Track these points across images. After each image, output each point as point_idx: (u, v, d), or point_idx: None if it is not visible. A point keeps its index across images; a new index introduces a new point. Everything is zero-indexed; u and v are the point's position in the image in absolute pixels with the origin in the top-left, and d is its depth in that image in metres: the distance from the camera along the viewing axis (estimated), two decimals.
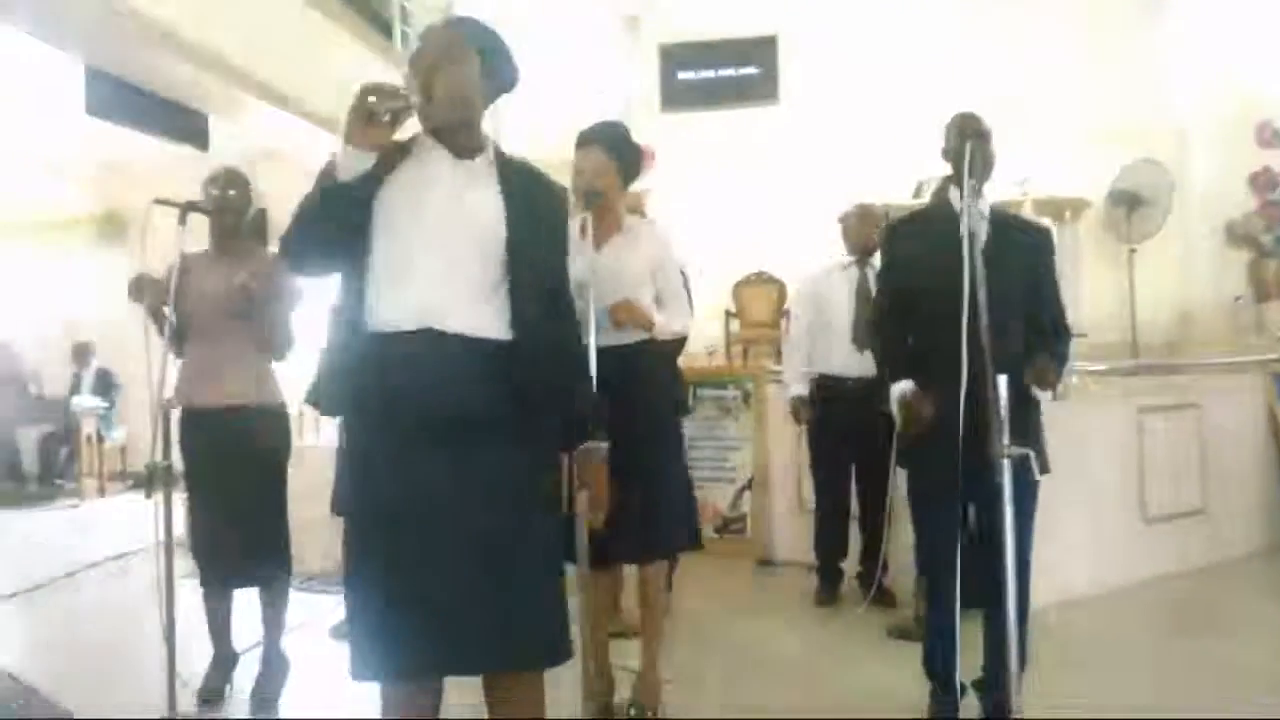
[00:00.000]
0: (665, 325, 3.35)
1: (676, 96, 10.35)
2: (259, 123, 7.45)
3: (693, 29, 10.37)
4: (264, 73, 6.72)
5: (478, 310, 2.18)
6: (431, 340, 2.13)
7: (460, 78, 2.19)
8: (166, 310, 3.33)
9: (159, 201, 3.27)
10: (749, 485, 6.02)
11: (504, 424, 2.16)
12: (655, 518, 3.25)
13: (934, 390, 2.93)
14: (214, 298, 3.51)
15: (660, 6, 10.38)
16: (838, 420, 4.70)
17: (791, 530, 5.73)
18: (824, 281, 4.86)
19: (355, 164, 2.09)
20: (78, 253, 10.60)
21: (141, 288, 3.48)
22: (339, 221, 2.15)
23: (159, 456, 3.11)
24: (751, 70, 10.37)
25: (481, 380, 2.15)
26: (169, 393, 3.35)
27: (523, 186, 2.29)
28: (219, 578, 3.61)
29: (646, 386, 3.30)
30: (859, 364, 4.53)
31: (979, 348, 2.59)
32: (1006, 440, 2.48)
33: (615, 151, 3.29)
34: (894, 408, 3.11)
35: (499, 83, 2.31)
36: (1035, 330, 3.03)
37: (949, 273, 2.80)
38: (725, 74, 10.46)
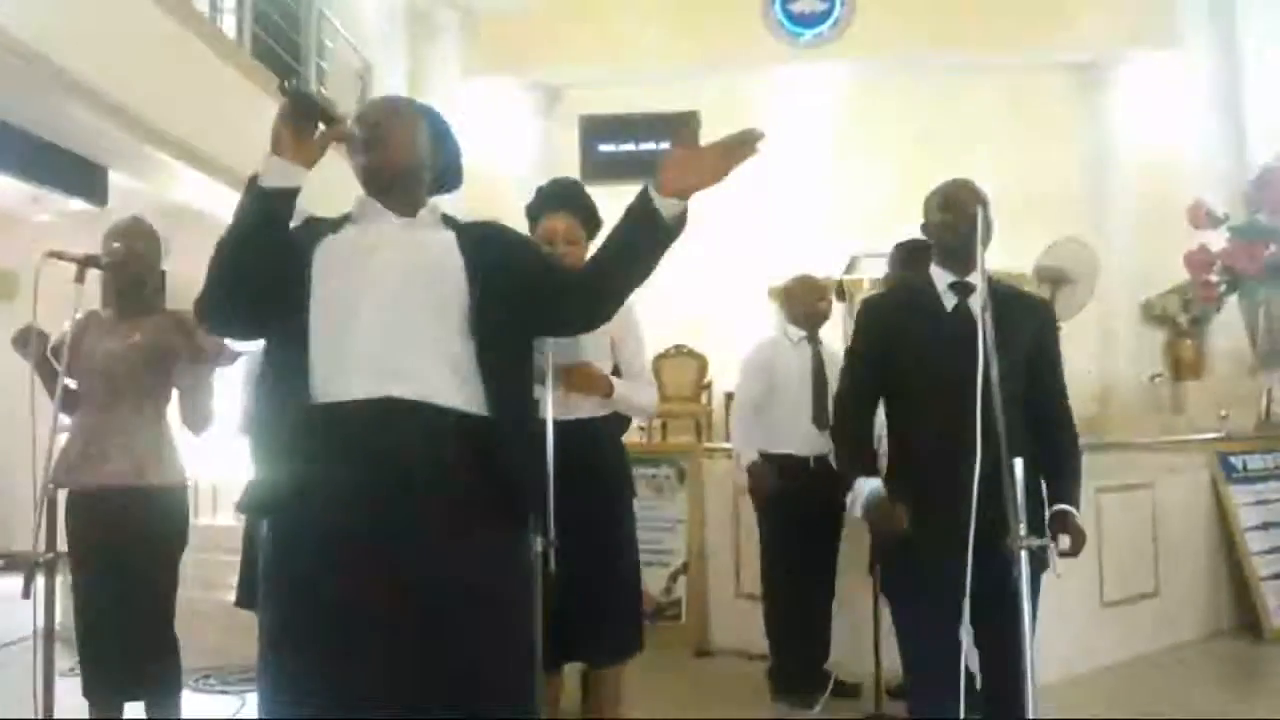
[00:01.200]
0: (630, 398, 3.08)
1: (597, 169, 10.26)
2: (164, 180, 7.04)
3: (614, 102, 10.31)
4: (171, 127, 6.35)
5: (440, 375, 1.86)
6: (385, 409, 1.81)
7: (408, 132, 2.02)
8: (57, 366, 2.94)
9: (52, 254, 2.90)
10: (684, 569, 5.68)
11: (469, 514, 1.84)
12: (619, 613, 2.97)
13: (929, 480, 2.64)
14: (106, 361, 3.13)
15: (582, 79, 10.31)
16: (797, 501, 4.35)
17: (731, 616, 5.42)
18: (772, 352, 4.55)
19: (281, 176, 1.82)
20: None
21: (28, 338, 3.08)
22: (271, 268, 1.84)
23: (42, 546, 2.71)
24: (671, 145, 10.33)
25: (445, 458, 1.83)
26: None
27: (480, 239, 2.02)
28: (107, 688, 3.12)
29: (607, 466, 3.07)
30: (817, 442, 4.27)
31: (990, 430, 2.35)
32: (1024, 530, 2.26)
33: (582, 211, 3.13)
34: (858, 510, 2.73)
35: (446, 166, 2.13)
36: (1033, 419, 2.69)
37: (943, 351, 2.59)
38: (646, 147, 10.44)
